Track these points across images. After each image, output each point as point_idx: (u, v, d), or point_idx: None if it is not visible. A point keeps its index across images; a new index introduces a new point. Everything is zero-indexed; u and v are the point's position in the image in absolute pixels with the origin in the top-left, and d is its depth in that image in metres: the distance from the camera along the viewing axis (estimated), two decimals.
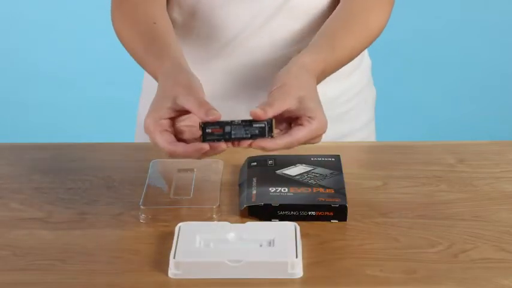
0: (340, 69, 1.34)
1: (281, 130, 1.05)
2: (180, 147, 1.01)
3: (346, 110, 1.39)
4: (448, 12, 3.61)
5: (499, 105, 3.33)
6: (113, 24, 1.25)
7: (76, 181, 1.19)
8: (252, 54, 1.30)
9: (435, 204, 1.13)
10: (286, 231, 1.02)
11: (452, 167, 1.23)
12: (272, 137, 1.01)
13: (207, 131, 1.01)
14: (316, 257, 1.01)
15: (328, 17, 1.27)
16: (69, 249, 1.03)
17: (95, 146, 1.32)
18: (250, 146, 1.01)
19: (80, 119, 3.29)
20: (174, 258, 0.97)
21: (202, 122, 1.01)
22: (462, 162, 1.24)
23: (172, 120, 1.04)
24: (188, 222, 1.04)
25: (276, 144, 1.01)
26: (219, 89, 1.33)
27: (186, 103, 1.02)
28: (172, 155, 1.01)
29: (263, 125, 1.01)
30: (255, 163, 1.19)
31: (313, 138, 1.05)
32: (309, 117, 1.04)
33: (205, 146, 1.00)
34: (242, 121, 1.01)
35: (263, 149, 1.01)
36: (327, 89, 1.34)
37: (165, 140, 1.01)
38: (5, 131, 3.12)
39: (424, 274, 0.98)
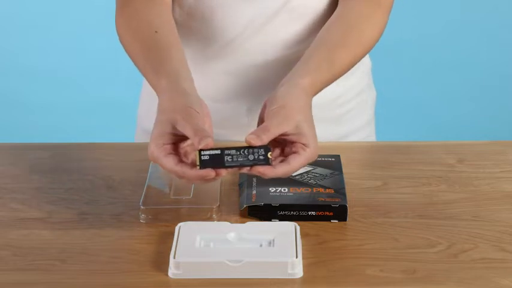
0: None
1: (274, 158, 1.04)
2: (188, 168, 1.00)
3: (347, 110, 1.39)
4: (448, 13, 3.61)
5: (499, 105, 3.33)
6: (116, 29, 1.24)
7: (76, 181, 1.19)
8: (252, 55, 1.29)
9: (435, 204, 1.13)
10: (286, 231, 1.02)
11: (452, 167, 1.23)
12: (269, 163, 1.00)
13: (203, 158, 1.00)
14: (316, 257, 1.00)
15: (328, 17, 1.27)
16: (69, 249, 1.03)
17: (95, 146, 1.32)
18: (250, 171, 1.01)
19: (80, 119, 3.29)
20: (174, 258, 0.97)
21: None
22: (462, 162, 1.24)
23: (176, 144, 1.03)
24: (188, 222, 1.04)
25: (274, 173, 1.01)
26: (220, 89, 1.33)
27: (184, 130, 1.02)
28: (181, 177, 1.01)
29: (256, 155, 1.00)
30: None
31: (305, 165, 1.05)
32: (304, 144, 1.03)
33: (212, 172, 0.99)
34: (237, 149, 1.00)
35: (262, 175, 1.01)
36: (327, 90, 1.34)
37: (171, 162, 1.00)
38: (5, 131, 3.12)
39: (424, 274, 0.98)
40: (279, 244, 1.00)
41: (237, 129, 1.34)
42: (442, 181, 1.19)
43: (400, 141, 1.33)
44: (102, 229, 1.07)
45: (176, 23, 1.31)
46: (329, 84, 1.18)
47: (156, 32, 1.18)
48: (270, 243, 1.00)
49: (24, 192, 1.16)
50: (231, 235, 1.01)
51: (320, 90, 1.16)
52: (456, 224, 1.08)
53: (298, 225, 1.03)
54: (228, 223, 1.04)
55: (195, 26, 1.30)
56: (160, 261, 0.99)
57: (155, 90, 1.12)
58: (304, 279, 0.97)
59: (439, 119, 3.26)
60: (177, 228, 1.03)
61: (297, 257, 0.97)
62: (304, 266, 0.98)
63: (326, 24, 1.23)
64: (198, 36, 1.30)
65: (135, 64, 1.20)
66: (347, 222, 1.08)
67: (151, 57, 1.16)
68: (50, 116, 3.30)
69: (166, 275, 0.97)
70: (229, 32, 1.28)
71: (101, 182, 1.18)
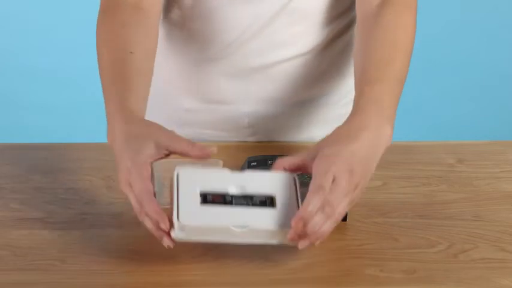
0: (340, 73, 1.34)
1: None
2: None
3: (347, 111, 1.39)
4: (448, 13, 3.61)
5: (499, 105, 3.33)
6: (96, 34, 1.19)
7: (76, 181, 1.19)
8: (251, 57, 1.29)
9: (435, 204, 1.13)
10: (285, 185, 1.00)
11: (452, 167, 1.23)
12: (274, 207, 0.98)
13: (207, 197, 0.98)
14: (316, 257, 1.00)
15: (328, 18, 1.27)
16: (69, 249, 1.03)
17: (95, 146, 1.32)
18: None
19: (80, 119, 3.29)
20: (178, 220, 0.95)
21: (202, 192, 0.98)
22: (462, 162, 1.24)
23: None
24: (185, 168, 1.01)
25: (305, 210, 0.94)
26: (219, 91, 1.32)
27: (176, 144, 0.99)
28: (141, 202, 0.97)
29: (264, 199, 0.99)
30: (255, 163, 1.18)
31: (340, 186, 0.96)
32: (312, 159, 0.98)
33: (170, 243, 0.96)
34: (243, 194, 0.99)
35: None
36: (331, 92, 1.34)
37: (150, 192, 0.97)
38: (5, 131, 3.12)
39: (424, 274, 0.98)
40: (281, 205, 0.98)
41: (237, 131, 1.34)
42: (442, 181, 1.19)
43: (400, 141, 1.33)
44: (102, 229, 1.07)
45: (175, 24, 1.31)
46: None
47: (131, 52, 1.13)
48: (271, 202, 0.98)
49: (24, 192, 1.16)
50: (232, 189, 0.99)
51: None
52: (456, 224, 1.08)
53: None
54: (227, 171, 1.01)
55: (194, 28, 1.29)
56: (161, 261, 0.99)
57: (114, 115, 1.05)
58: (304, 279, 0.97)
59: (439, 119, 3.26)
60: (175, 175, 1.00)
61: None
62: (304, 266, 0.98)
63: (364, 45, 1.15)
64: (197, 37, 1.30)
65: (101, 76, 1.13)
66: (347, 222, 1.08)
67: (117, 82, 1.10)
68: (50, 116, 3.30)
69: (166, 275, 0.97)
70: (229, 34, 1.27)
71: (100, 182, 1.18)
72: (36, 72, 3.48)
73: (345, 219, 1.08)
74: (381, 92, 1.07)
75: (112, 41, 1.16)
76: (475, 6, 3.66)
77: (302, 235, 0.95)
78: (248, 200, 0.99)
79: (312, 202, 0.94)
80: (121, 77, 1.10)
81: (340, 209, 0.96)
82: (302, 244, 0.95)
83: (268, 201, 0.99)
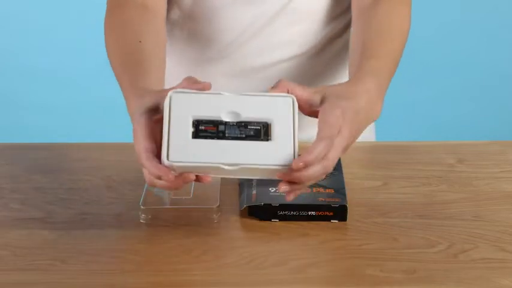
0: (340, 72, 1.34)
1: None
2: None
3: None
4: (448, 13, 3.61)
5: (499, 105, 3.33)
6: (104, 30, 1.20)
7: (76, 181, 1.19)
8: (251, 58, 1.29)
9: (435, 204, 1.13)
10: (283, 109, 0.97)
11: (452, 167, 1.23)
12: (268, 140, 0.96)
13: (200, 127, 0.96)
14: (316, 257, 1.00)
15: (328, 18, 1.27)
16: (69, 249, 1.03)
17: (95, 146, 1.32)
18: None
19: (80, 119, 3.29)
20: (167, 159, 0.92)
21: (195, 120, 0.96)
22: (462, 162, 1.24)
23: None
24: (180, 93, 0.97)
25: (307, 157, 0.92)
26: (219, 91, 1.32)
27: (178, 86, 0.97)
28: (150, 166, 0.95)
29: (258, 127, 0.97)
30: None
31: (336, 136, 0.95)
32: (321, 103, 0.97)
33: (192, 176, 0.94)
34: (237, 122, 0.96)
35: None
36: None
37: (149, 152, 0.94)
38: (5, 131, 3.12)
39: (424, 274, 0.98)
40: (275, 136, 0.95)
41: None
42: (442, 181, 1.19)
43: (400, 141, 1.33)
44: (102, 229, 1.07)
45: (175, 24, 1.31)
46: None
47: (140, 41, 1.13)
48: (266, 131, 0.96)
49: (24, 192, 1.16)
50: (226, 116, 0.96)
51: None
52: (456, 224, 1.08)
53: (298, 225, 1.03)
54: (223, 94, 0.99)
55: (194, 28, 1.29)
56: (161, 261, 0.99)
57: (127, 102, 1.06)
58: (304, 279, 0.97)
59: (439, 119, 3.26)
60: (167, 100, 0.96)
61: (295, 157, 0.94)
62: (304, 266, 0.98)
63: (360, 33, 1.16)
64: (197, 37, 1.30)
65: (113, 70, 1.14)
66: (347, 222, 1.08)
67: (128, 69, 1.10)
68: (50, 116, 3.30)
69: (166, 275, 0.97)
70: (229, 34, 1.27)
71: (101, 182, 1.18)
72: (36, 72, 3.48)
73: (344, 219, 1.08)
74: (378, 68, 1.06)
75: (120, 34, 1.16)
76: (475, 6, 3.66)
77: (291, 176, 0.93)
78: (242, 130, 0.95)
79: (319, 148, 0.93)
80: (131, 64, 1.10)
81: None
82: (285, 189, 0.94)
83: (263, 132, 0.96)
